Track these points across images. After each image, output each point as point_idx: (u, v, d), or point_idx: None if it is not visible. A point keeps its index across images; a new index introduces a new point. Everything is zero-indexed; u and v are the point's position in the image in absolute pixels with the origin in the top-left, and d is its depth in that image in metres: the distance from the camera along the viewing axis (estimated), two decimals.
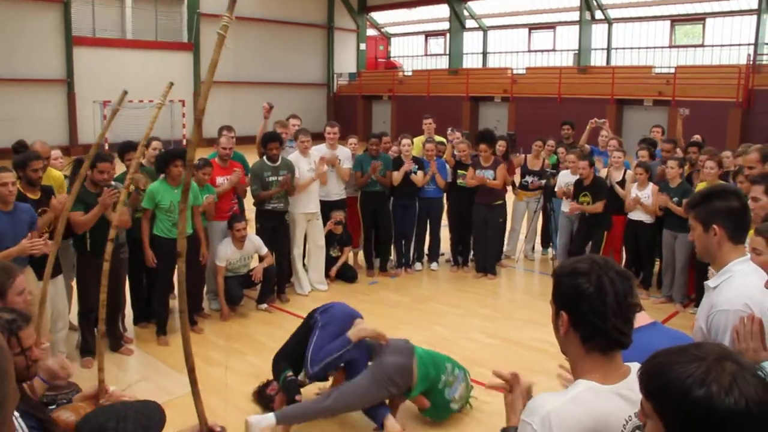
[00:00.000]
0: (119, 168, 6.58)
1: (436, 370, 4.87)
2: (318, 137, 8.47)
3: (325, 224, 8.24)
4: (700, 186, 6.96)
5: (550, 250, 9.85)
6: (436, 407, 4.95)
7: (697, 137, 9.60)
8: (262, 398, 5.20)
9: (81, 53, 24.01)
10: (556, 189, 8.69)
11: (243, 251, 7.31)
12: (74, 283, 6.32)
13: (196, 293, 7.02)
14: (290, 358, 5.11)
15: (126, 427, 2.07)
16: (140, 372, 5.92)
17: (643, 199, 7.74)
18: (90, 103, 23.70)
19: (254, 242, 7.42)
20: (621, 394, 1.82)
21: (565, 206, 8.56)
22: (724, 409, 1.34)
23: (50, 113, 23.31)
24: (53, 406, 2.60)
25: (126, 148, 6.75)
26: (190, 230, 6.61)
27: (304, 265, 8.28)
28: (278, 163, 7.62)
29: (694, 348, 1.46)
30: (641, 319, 2.38)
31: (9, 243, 4.86)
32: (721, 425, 1.35)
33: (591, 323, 1.82)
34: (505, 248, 9.57)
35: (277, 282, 7.74)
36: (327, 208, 8.22)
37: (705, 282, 2.85)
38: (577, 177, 8.27)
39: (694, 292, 7.52)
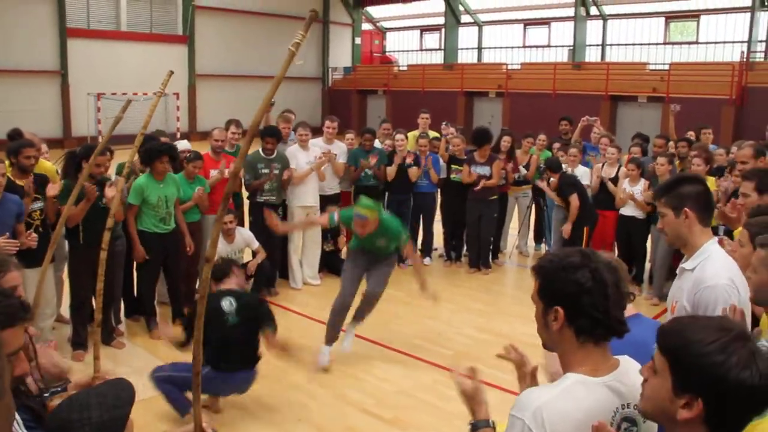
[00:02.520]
0: (118, 159, 6.59)
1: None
2: (313, 131, 8.47)
3: None
4: None
5: (542, 245, 9.88)
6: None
7: (691, 134, 9.65)
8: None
9: (75, 45, 23.89)
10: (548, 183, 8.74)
11: (233, 245, 7.29)
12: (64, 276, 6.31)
13: (186, 288, 7.02)
14: None
15: (90, 415, 1.98)
16: (132, 365, 5.92)
17: (635, 194, 7.77)
18: (84, 96, 23.55)
19: (244, 236, 7.41)
20: (610, 387, 1.83)
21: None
22: (738, 380, 1.44)
23: (44, 105, 23.18)
24: (47, 394, 2.58)
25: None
26: (173, 224, 6.58)
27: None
28: (273, 156, 7.62)
29: (720, 319, 1.58)
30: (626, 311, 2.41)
31: None
32: (731, 393, 1.45)
33: (591, 316, 1.82)
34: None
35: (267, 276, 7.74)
36: (321, 202, 8.22)
37: (681, 265, 2.92)
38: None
39: None
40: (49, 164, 6.59)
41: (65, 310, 6.48)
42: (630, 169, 7.86)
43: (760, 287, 2.43)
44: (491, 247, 9.12)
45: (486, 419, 2.03)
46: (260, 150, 7.66)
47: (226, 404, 5.12)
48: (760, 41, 23.50)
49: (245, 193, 7.94)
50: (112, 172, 6.72)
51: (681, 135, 9.45)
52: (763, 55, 23.70)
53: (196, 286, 7.45)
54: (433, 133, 9.59)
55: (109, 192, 5.73)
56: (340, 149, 8.53)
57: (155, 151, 6.35)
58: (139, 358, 6.10)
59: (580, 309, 1.83)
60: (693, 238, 2.83)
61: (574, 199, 8.01)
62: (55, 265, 6.13)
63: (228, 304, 4.85)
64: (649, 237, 8.02)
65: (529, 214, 9.73)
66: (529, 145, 9.46)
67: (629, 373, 1.89)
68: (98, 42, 24.66)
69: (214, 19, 27.67)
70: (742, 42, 23.21)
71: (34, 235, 5.12)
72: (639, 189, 7.75)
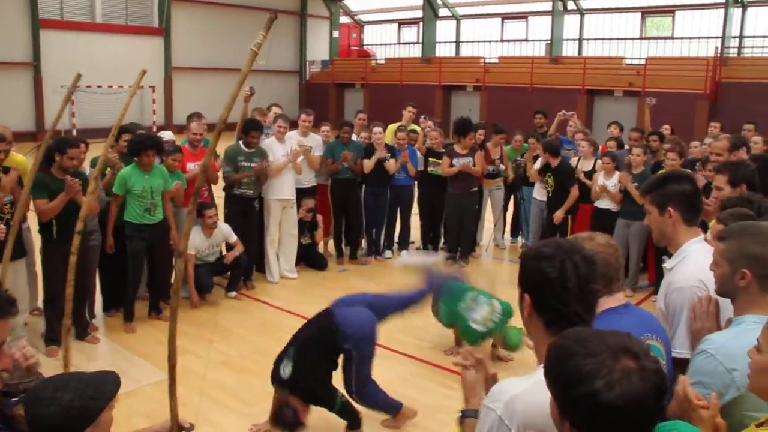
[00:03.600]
0: (93, 152, 6.54)
1: (455, 301, 5.65)
2: (291, 125, 8.43)
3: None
4: None
5: (519, 238, 9.93)
6: (464, 332, 5.67)
7: (666, 127, 9.76)
8: (283, 421, 4.58)
9: (48, 36, 23.47)
10: (530, 172, 8.79)
11: (212, 239, 7.27)
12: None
13: (163, 281, 6.97)
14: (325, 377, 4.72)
15: (63, 396, 1.92)
16: (107, 360, 5.87)
17: (609, 187, 7.84)
18: (58, 88, 23.13)
19: (223, 230, 7.37)
20: None
21: (537, 194, 8.68)
22: (604, 403, 1.39)
23: (16, 98, 22.73)
24: (16, 399, 2.54)
25: (122, 131, 6.77)
26: (161, 216, 6.57)
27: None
28: (254, 150, 7.58)
29: (594, 340, 1.49)
30: (614, 300, 2.41)
31: None
32: (600, 416, 1.41)
33: (552, 307, 1.85)
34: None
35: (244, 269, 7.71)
36: (297, 195, 8.19)
37: (663, 264, 2.95)
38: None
39: (655, 279, 7.65)
40: (21, 157, 6.48)
41: (40, 305, 6.41)
42: (605, 163, 7.93)
43: (723, 280, 2.44)
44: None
45: (476, 410, 2.04)
46: (241, 143, 7.62)
47: (211, 382, 5.08)
48: (734, 37, 23.74)
49: (220, 185, 7.88)
50: (87, 166, 6.66)
51: (656, 129, 9.56)
52: (736, 50, 23.96)
53: (172, 280, 7.42)
54: (412, 126, 9.60)
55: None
56: (315, 142, 8.51)
57: (141, 145, 6.42)
58: (114, 353, 6.06)
59: (543, 298, 1.86)
60: (677, 237, 2.84)
61: (575, 189, 8.19)
62: (27, 259, 6.05)
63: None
64: (615, 229, 8.04)
65: (506, 207, 9.77)
66: (501, 140, 9.46)
67: None
68: (72, 33, 24.25)
69: (190, 11, 27.39)
70: (717, 38, 23.44)
71: (2, 227, 5.05)
72: (613, 182, 7.82)
